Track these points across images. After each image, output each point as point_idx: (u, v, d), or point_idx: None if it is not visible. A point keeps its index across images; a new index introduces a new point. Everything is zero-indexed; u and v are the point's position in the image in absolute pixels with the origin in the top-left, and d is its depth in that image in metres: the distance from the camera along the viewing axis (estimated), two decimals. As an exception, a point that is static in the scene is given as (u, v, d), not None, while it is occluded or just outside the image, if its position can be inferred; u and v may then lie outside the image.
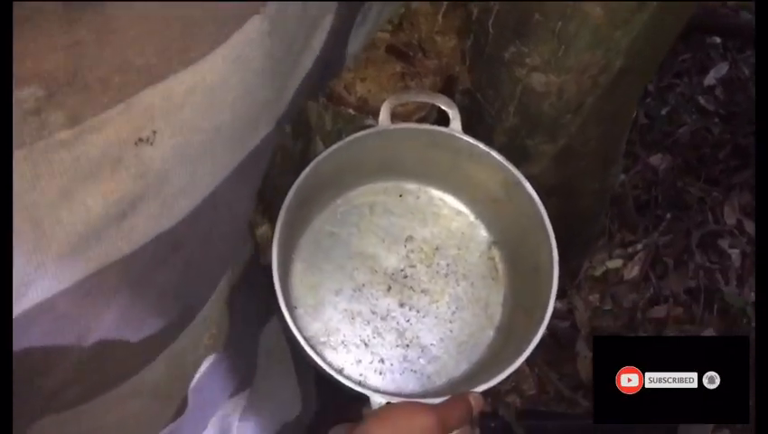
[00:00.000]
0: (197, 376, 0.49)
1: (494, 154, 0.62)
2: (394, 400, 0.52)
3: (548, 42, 0.65)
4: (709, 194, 1.38)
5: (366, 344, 0.63)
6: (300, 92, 0.43)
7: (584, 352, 1.17)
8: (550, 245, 0.59)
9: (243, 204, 0.44)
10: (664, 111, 1.55)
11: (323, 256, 0.66)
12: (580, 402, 1.14)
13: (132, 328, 0.38)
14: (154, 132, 0.32)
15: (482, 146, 0.63)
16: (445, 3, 0.76)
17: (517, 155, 0.78)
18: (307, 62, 0.43)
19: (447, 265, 0.67)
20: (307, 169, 0.58)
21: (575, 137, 0.78)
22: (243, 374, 0.56)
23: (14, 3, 0.29)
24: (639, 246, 1.26)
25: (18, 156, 0.29)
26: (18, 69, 0.29)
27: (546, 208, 0.62)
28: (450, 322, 0.65)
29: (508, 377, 0.54)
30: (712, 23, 1.56)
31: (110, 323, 0.36)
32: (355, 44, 0.52)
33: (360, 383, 0.55)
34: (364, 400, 0.52)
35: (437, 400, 0.52)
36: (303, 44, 0.41)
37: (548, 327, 1.00)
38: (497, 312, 0.65)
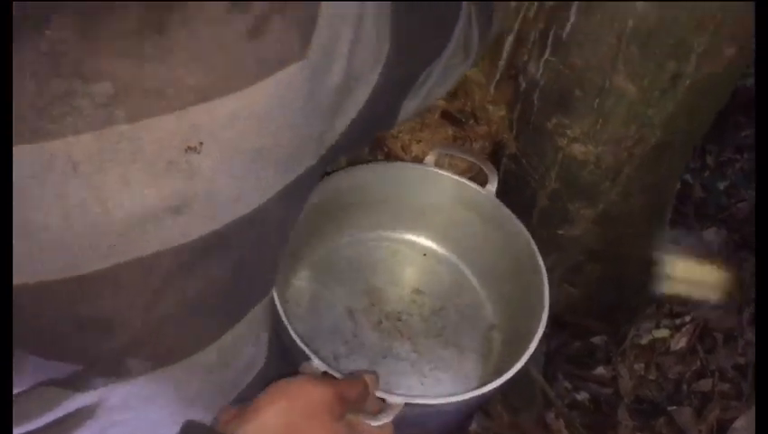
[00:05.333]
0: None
1: (516, 220, 0.66)
2: (334, 373, 0.51)
3: (587, 115, 0.71)
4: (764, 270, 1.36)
5: (336, 360, 0.65)
6: (347, 136, 0.48)
7: (625, 421, 1.16)
8: (539, 326, 0.60)
9: (288, 225, 0.50)
10: (722, 186, 1.55)
11: (333, 272, 0.71)
12: (619, 471, 1.13)
13: (185, 313, 0.43)
14: (201, 143, 0.38)
15: (505, 208, 0.67)
16: (498, 74, 0.83)
17: (558, 217, 0.83)
18: (351, 111, 0.48)
19: (443, 327, 0.70)
20: (341, 172, 0.62)
21: (615, 204, 0.83)
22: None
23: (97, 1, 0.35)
24: (687, 318, 1.25)
25: (87, 139, 0.36)
26: (94, 64, 0.35)
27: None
28: (424, 376, 0.66)
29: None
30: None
31: (167, 304, 0.42)
32: (413, 104, 0.57)
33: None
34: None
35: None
36: (345, 95, 0.46)
37: (590, 392, 1.01)
38: (472, 386, 0.63)
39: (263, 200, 0.43)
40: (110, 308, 0.41)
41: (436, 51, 0.55)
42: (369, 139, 0.79)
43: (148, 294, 0.41)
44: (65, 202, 0.37)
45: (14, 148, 0.35)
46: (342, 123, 0.47)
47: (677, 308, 1.27)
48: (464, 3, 0.57)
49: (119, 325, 0.42)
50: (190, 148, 0.38)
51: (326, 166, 0.50)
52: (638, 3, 0.60)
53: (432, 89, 0.58)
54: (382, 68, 0.48)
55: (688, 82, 0.66)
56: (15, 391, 0.43)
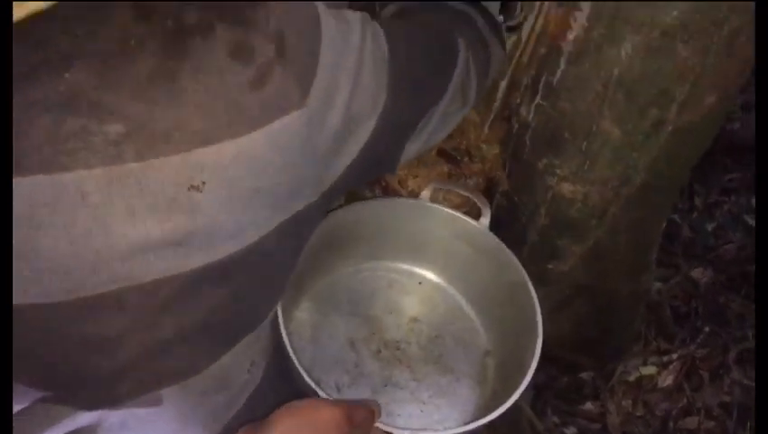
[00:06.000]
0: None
1: (509, 252, 0.69)
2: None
3: (576, 156, 0.75)
4: (751, 311, 1.39)
5: (338, 390, 0.67)
6: (347, 176, 0.51)
7: (613, 456, 1.17)
8: (534, 352, 0.63)
9: (288, 256, 0.52)
10: (710, 227, 1.59)
11: (333, 303, 0.73)
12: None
13: (182, 337, 0.46)
14: (203, 183, 0.41)
15: (498, 242, 0.70)
16: (492, 116, 0.87)
17: (548, 252, 0.86)
18: (350, 154, 0.50)
19: (440, 355, 0.72)
20: (342, 209, 0.65)
21: (602, 241, 0.86)
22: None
23: (114, 45, 0.38)
24: (674, 355, 1.27)
25: (97, 173, 0.38)
26: (109, 106, 0.38)
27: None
28: (423, 403, 0.68)
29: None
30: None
31: (165, 327, 0.44)
32: (414, 148, 0.59)
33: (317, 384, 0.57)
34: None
35: None
36: (343, 139, 0.48)
37: (579, 428, 1.02)
38: (469, 412, 0.68)
39: (261, 234, 0.45)
40: (112, 328, 0.43)
41: (434, 98, 0.58)
42: (371, 178, 0.82)
43: (148, 317, 0.43)
44: (72, 230, 0.39)
45: (27, 178, 0.38)
46: (341, 165, 0.50)
47: (664, 346, 1.29)
48: (462, 52, 0.61)
49: (120, 344, 0.44)
50: (192, 187, 0.41)
51: (330, 202, 0.52)
52: (623, 53, 0.64)
53: (432, 133, 0.61)
54: (380, 114, 0.50)
55: (670, 128, 0.70)
56: (17, 407, 0.45)
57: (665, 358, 1.28)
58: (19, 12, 0.37)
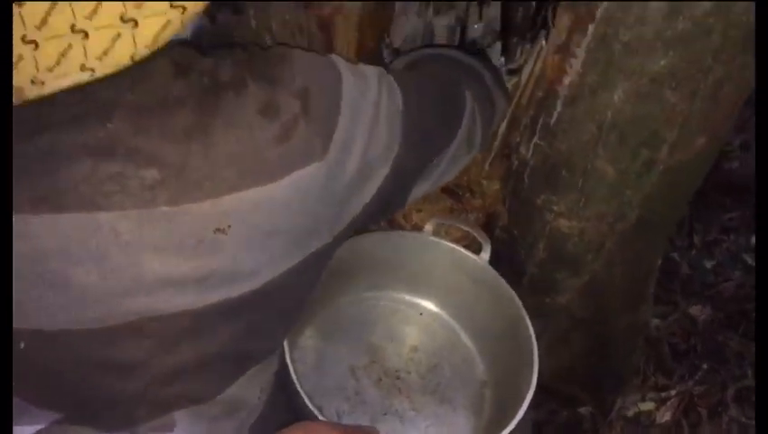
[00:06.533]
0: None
1: (508, 287, 0.72)
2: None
3: (572, 193, 0.78)
4: (749, 350, 1.41)
5: (339, 417, 0.69)
6: (360, 218, 0.54)
7: (612, 491, 1.18)
8: (530, 384, 0.65)
9: (302, 292, 0.55)
10: (709, 265, 1.61)
11: (336, 331, 0.76)
12: None
13: (197, 365, 0.48)
14: (229, 226, 0.44)
15: (497, 276, 0.73)
16: (492, 153, 0.91)
17: (546, 285, 0.89)
18: (364, 198, 0.53)
19: (438, 384, 0.75)
20: (348, 241, 0.67)
21: (599, 275, 0.89)
22: None
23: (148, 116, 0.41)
24: (673, 392, 1.29)
25: (131, 214, 0.42)
26: (146, 153, 0.41)
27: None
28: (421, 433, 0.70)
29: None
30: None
31: (182, 355, 0.47)
32: (422, 188, 0.62)
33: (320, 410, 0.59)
34: None
35: None
36: (358, 185, 0.52)
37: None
38: None
39: (277, 273, 0.48)
40: (134, 354, 0.46)
41: (443, 145, 0.62)
42: (383, 218, 0.85)
43: (168, 345, 0.47)
44: (104, 264, 0.43)
45: (64, 215, 0.41)
46: (356, 207, 0.53)
47: (662, 382, 1.30)
48: (469, 104, 0.64)
49: (140, 369, 0.47)
50: (219, 230, 0.44)
51: (342, 242, 0.55)
52: (615, 98, 0.68)
53: (440, 175, 0.64)
54: (393, 161, 0.54)
55: (661, 168, 0.74)
56: (34, 428, 0.47)
57: (663, 394, 1.29)
58: (63, 81, 0.40)
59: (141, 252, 0.43)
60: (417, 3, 0.80)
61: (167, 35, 0.41)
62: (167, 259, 0.43)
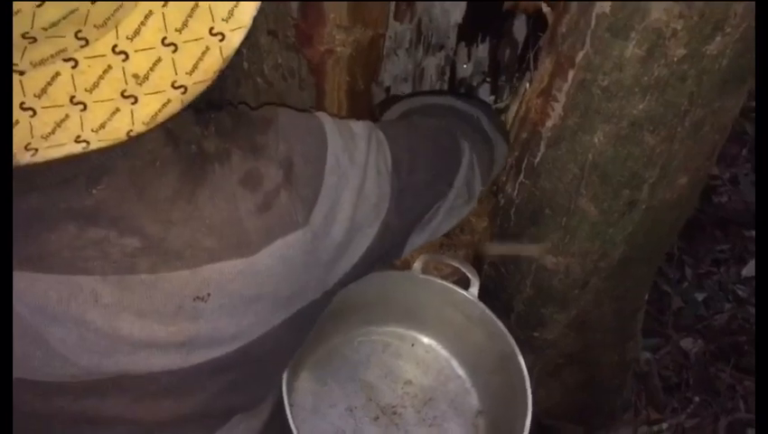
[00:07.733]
0: None
1: (499, 322, 0.73)
2: None
3: (556, 231, 0.80)
4: (741, 382, 1.41)
5: None
6: (351, 274, 0.53)
7: None
8: (525, 422, 0.66)
9: (288, 347, 0.55)
10: (700, 297, 1.61)
11: (331, 371, 0.76)
12: None
13: (178, 420, 0.48)
14: (209, 294, 0.44)
15: (488, 311, 0.74)
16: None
17: (534, 320, 0.90)
18: (353, 257, 0.52)
19: (434, 417, 0.75)
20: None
21: (586, 310, 0.90)
22: None
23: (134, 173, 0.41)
24: (665, 425, 1.29)
25: (112, 280, 0.42)
26: (129, 222, 0.41)
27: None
28: None
29: None
30: (750, 218, 1.67)
31: (163, 411, 0.47)
32: (420, 240, 0.61)
33: None
34: None
35: None
36: (346, 247, 0.51)
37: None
38: None
39: (261, 333, 0.48)
40: (110, 409, 0.46)
41: (438, 197, 0.60)
42: (376, 270, 0.86)
43: (147, 401, 0.47)
44: (83, 326, 0.43)
45: (47, 275, 0.42)
46: (345, 267, 0.53)
47: (654, 415, 1.31)
48: (467, 153, 0.63)
49: (116, 423, 0.47)
50: (198, 298, 0.44)
51: (332, 296, 0.54)
52: (596, 140, 0.70)
53: (438, 226, 0.63)
54: (383, 220, 0.53)
55: (644, 207, 0.76)
56: None
57: (655, 428, 1.29)
58: (57, 151, 0.40)
59: (120, 315, 0.43)
60: (407, 43, 0.83)
61: (166, 114, 0.41)
62: (147, 323, 0.44)
